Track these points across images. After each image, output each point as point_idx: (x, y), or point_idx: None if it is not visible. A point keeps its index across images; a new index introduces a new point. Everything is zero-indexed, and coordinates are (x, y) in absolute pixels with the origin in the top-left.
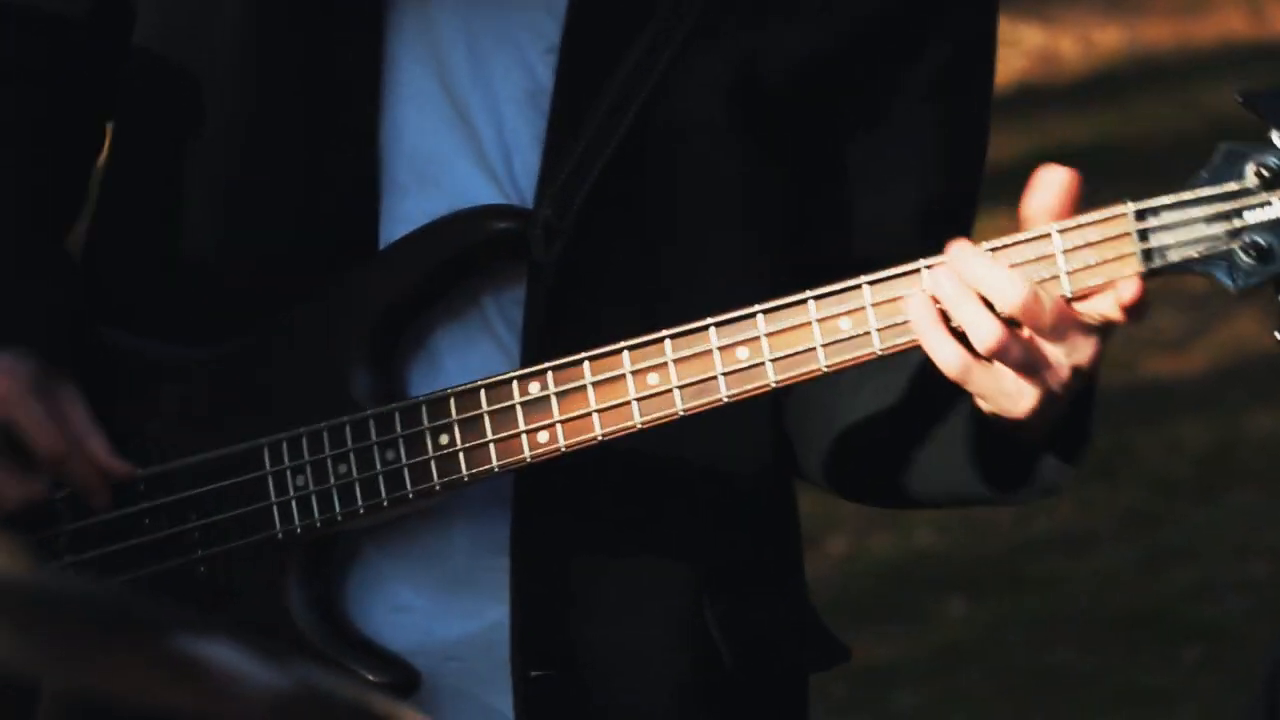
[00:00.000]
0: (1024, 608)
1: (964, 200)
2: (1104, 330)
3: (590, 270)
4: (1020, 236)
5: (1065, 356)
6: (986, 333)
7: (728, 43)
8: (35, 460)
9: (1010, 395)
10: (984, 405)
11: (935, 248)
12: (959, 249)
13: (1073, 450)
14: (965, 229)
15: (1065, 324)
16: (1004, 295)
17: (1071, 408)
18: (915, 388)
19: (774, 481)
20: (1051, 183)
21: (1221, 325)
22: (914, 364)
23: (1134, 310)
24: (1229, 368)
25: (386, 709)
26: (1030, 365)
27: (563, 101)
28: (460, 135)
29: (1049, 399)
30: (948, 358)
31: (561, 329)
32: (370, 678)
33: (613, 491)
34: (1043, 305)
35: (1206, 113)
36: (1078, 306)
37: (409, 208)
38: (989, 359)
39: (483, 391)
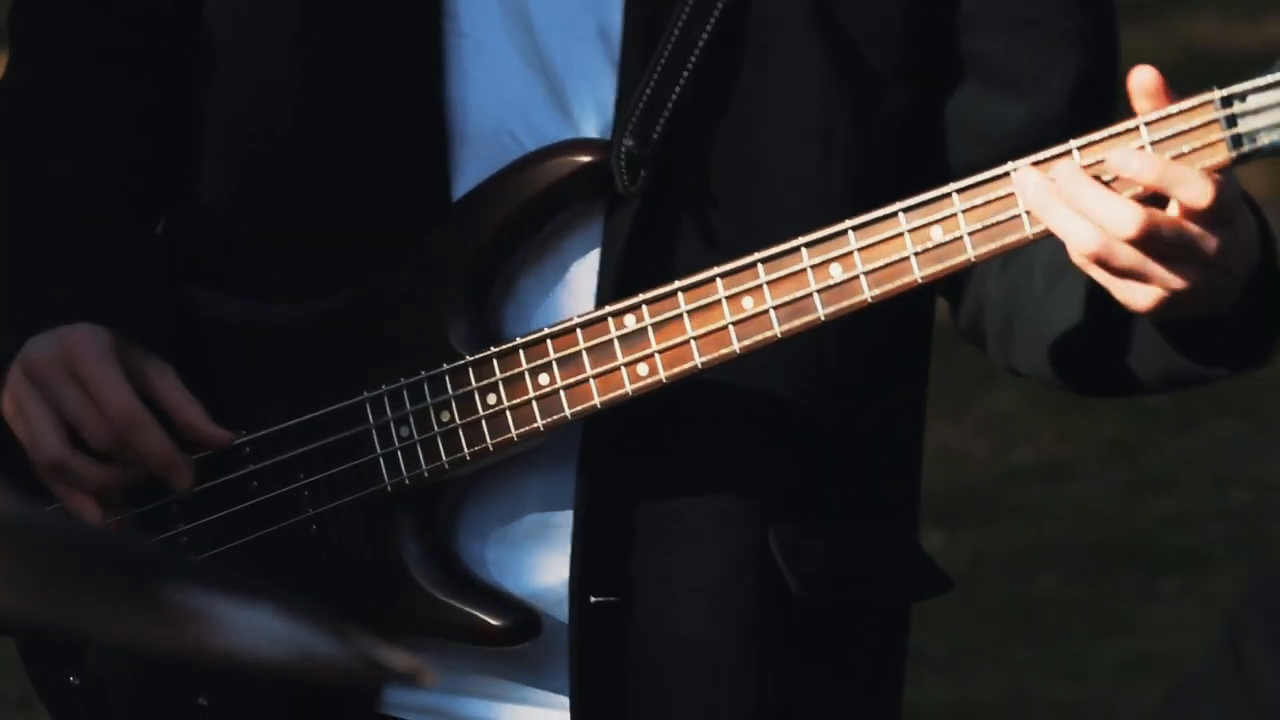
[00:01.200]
0: (1003, 539)
1: (1109, 77)
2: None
3: (672, 198)
4: (1107, 132)
5: (1184, 259)
6: (1084, 240)
7: None
8: (103, 427)
9: (1127, 292)
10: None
11: (1086, 128)
12: (1066, 173)
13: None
14: (1112, 105)
15: (1177, 236)
16: (1117, 224)
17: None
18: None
19: (841, 413)
20: (1143, 86)
21: None
22: None
23: (1216, 205)
24: None
25: (400, 664)
26: (1138, 271)
27: (634, 30)
28: (532, 81)
29: (1175, 299)
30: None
31: (640, 262)
32: (493, 622)
33: (674, 426)
34: (1156, 227)
35: (1185, 44)
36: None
37: (484, 158)
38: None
39: (579, 330)
